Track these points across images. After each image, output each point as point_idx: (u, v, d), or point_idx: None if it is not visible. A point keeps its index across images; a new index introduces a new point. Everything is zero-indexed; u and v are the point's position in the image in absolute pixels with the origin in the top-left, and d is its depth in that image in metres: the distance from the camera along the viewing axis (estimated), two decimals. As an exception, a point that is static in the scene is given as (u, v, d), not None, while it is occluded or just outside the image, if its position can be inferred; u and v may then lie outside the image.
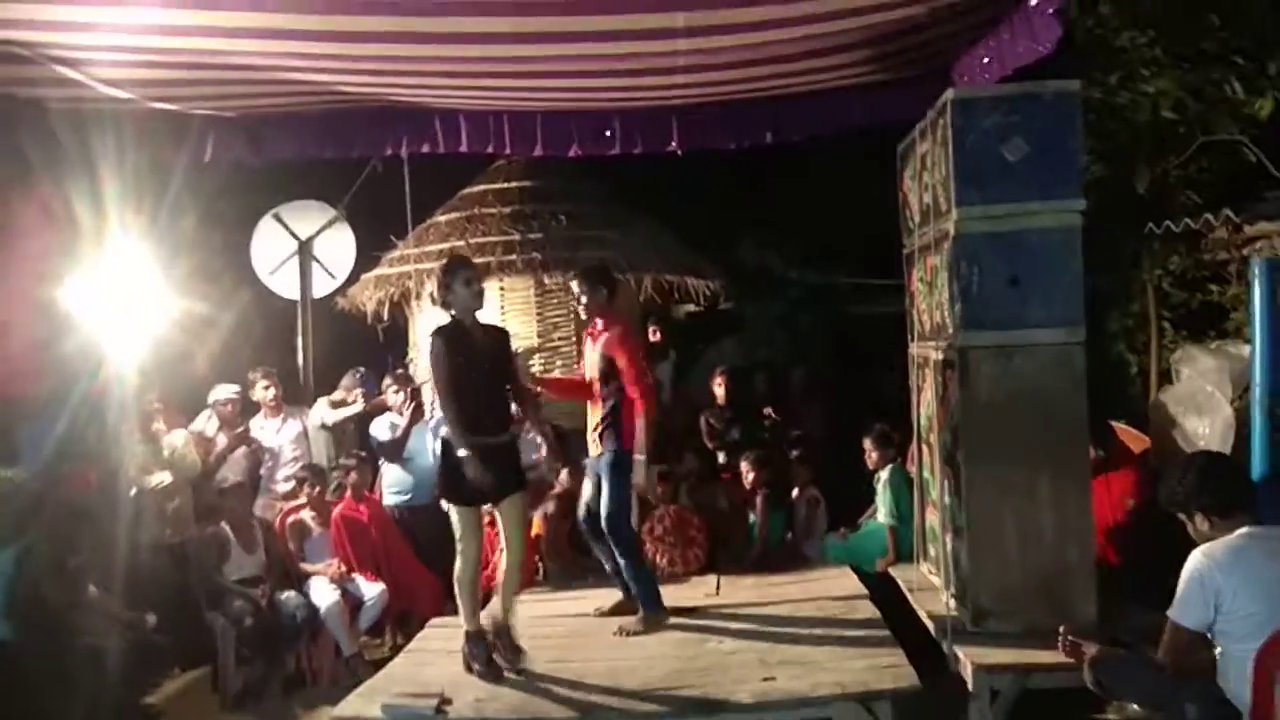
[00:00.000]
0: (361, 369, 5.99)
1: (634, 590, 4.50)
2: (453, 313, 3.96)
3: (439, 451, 4.00)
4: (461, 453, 3.79)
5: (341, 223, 6.78)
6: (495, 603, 4.15)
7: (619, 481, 4.42)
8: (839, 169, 7.86)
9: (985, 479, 3.83)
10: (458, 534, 3.99)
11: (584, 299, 4.44)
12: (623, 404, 4.38)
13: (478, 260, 6.44)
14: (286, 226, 6.74)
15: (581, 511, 4.57)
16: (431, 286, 4.06)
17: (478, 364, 3.89)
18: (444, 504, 4.02)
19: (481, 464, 3.76)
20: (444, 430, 3.92)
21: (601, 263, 5.04)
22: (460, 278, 3.95)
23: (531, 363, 6.37)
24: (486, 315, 6.50)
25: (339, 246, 6.80)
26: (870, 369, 7.50)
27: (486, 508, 4.06)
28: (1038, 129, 3.75)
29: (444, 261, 4.07)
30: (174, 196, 5.18)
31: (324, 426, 5.92)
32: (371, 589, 5.25)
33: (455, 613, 5.01)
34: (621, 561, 4.48)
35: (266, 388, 5.93)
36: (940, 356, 4.16)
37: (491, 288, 6.48)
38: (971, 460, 3.86)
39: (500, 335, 4.09)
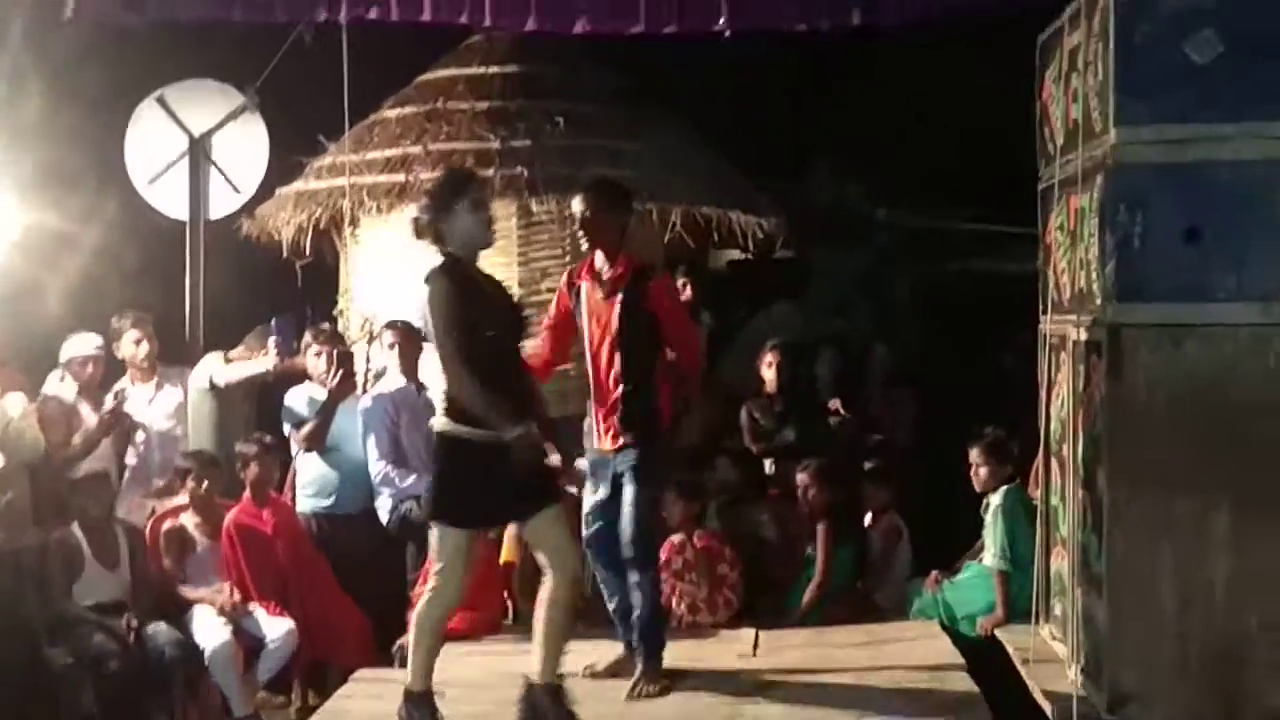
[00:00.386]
0: (277, 319, 6.01)
1: (639, 642, 4.55)
2: (449, 249, 4.00)
3: (434, 450, 4.02)
4: (454, 454, 3.85)
5: (251, 114, 6.79)
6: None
7: (650, 488, 4.45)
8: (952, 70, 7.80)
9: (1137, 510, 3.83)
10: (437, 561, 4.02)
11: (591, 224, 4.44)
12: (658, 381, 4.43)
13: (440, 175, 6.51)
14: (174, 116, 6.75)
15: (587, 530, 4.60)
16: (419, 208, 4.08)
17: (493, 322, 3.92)
18: (432, 526, 4.06)
19: (514, 464, 3.79)
20: (441, 421, 3.93)
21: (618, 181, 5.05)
22: (466, 198, 3.99)
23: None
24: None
25: (247, 148, 6.81)
26: (983, 352, 7.48)
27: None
28: (1240, 20, 3.72)
29: (444, 173, 4.15)
30: (14, 67, 5.19)
31: (212, 387, 5.93)
32: (275, 626, 5.30)
33: (389, 662, 5.13)
34: (640, 600, 4.52)
35: (138, 341, 5.97)
36: (1083, 337, 4.15)
37: (459, 216, 6.54)
38: (1119, 483, 3.84)
39: (503, 287, 4.19)
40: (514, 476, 3.80)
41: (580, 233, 4.51)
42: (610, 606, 4.64)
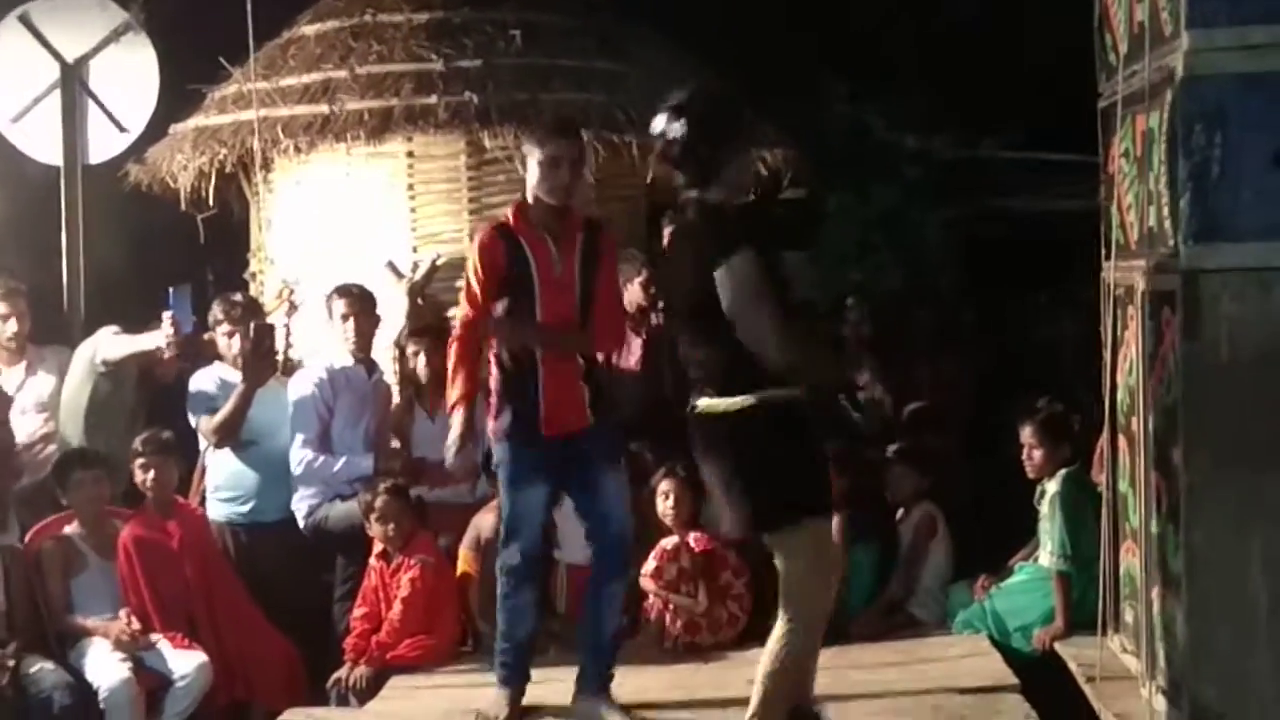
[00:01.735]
0: (173, 289, 5.97)
1: (595, 664, 4.64)
2: (718, 195, 4.07)
3: (754, 435, 3.95)
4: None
5: (136, 34, 6.77)
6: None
7: (624, 475, 4.64)
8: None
9: (1221, 493, 3.85)
10: (807, 568, 4.00)
11: (577, 166, 4.60)
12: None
13: (372, 105, 6.46)
14: (41, 38, 6.73)
15: (520, 542, 4.63)
16: (675, 131, 4.07)
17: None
18: (787, 532, 4.01)
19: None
20: (751, 397, 3.94)
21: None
22: (742, 135, 4.16)
23: (459, 284, 6.39)
24: (379, 195, 6.70)
25: (132, 76, 6.80)
26: (1035, 307, 7.53)
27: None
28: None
29: (710, 93, 4.26)
30: None
31: (104, 366, 5.85)
32: (184, 660, 5.31)
33: (322, 700, 5.18)
34: (612, 615, 4.64)
35: (5, 316, 5.97)
36: (1152, 286, 4.20)
37: (394, 153, 6.53)
38: (1198, 461, 3.86)
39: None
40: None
41: (564, 177, 4.56)
42: (520, 635, 4.68)
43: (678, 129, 4.07)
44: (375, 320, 5.90)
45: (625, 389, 5.94)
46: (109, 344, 5.89)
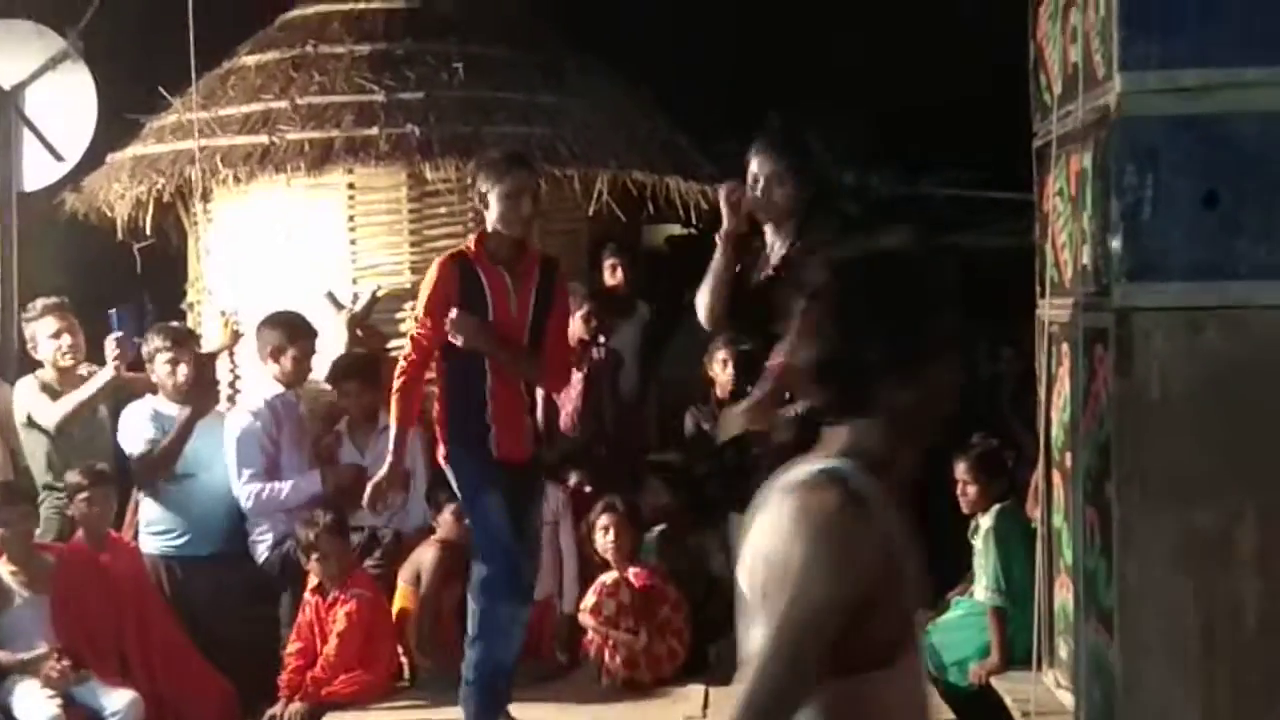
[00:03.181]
0: (117, 309, 5.92)
1: (483, 696, 4.73)
2: None
3: None
4: None
5: (74, 62, 6.74)
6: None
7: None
8: (931, 6, 7.90)
9: (1152, 530, 3.89)
10: None
11: (536, 197, 4.74)
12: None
13: (313, 136, 6.45)
14: (-25, 64, 6.70)
15: (490, 565, 4.70)
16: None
17: None
18: None
19: None
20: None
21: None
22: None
23: (399, 315, 6.39)
24: (319, 227, 6.68)
25: (70, 104, 6.77)
26: (973, 343, 7.61)
27: None
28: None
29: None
30: None
31: (55, 431, 5.79)
32: (115, 698, 5.26)
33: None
34: (515, 644, 4.78)
35: (57, 333, 5.88)
36: (1086, 324, 4.25)
37: (335, 184, 6.53)
38: (1130, 496, 3.91)
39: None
40: None
41: (518, 213, 4.67)
42: (501, 655, 4.73)
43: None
44: (311, 350, 5.90)
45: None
46: (45, 411, 5.78)
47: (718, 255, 4.61)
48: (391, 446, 4.78)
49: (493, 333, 4.68)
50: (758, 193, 4.55)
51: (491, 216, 4.70)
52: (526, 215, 4.71)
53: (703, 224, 7.44)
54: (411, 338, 4.83)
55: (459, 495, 4.90)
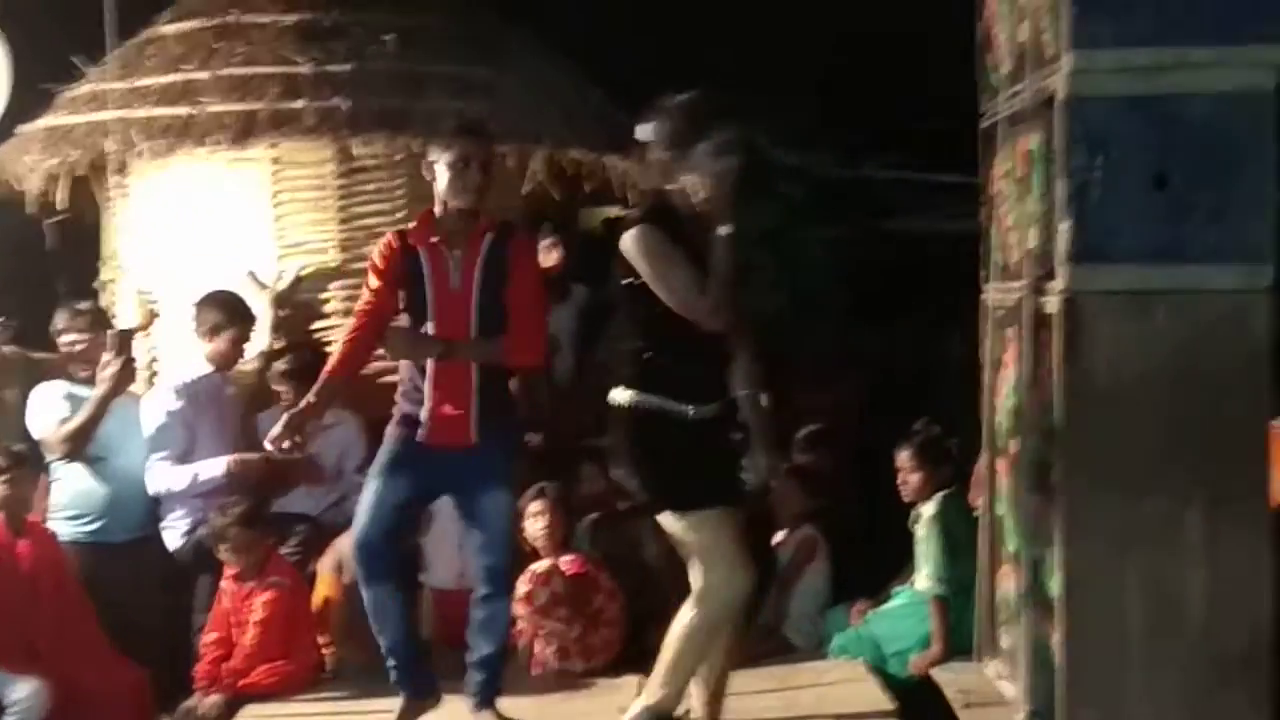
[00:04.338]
0: None
1: (481, 689, 4.65)
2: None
3: (631, 431, 4.34)
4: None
5: (-16, 31, 6.64)
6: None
7: (511, 498, 4.74)
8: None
9: (1098, 515, 3.90)
10: (707, 556, 4.19)
11: (487, 167, 4.62)
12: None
13: (236, 108, 6.35)
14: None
15: (370, 529, 4.55)
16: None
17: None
18: (674, 517, 4.23)
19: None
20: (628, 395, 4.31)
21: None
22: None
23: (325, 295, 6.37)
24: (242, 202, 6.52)
25: (-21, 73, 6.68)
26: (917, 329, 7.62)
27: None
28: (1217, -78, 3.83)
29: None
30: None
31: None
32: (18, 687, 5.16)
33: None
34: (495, 638, 4.66)
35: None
36: (1033, 308, 4.23)
37: (258, 159, 6.41)
38: (1077, 483, 3.92)
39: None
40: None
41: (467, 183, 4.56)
42: (389, 636, 4.63)
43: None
44: (248, 335, 5.86)
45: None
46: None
47: None
48: (315, 388, 4.64)
49: (427, 341, 4.57)
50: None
51: (440, 187, 4.58)
52: (476, 184, 4.56)
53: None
54: (357, 308, 4.75)
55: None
